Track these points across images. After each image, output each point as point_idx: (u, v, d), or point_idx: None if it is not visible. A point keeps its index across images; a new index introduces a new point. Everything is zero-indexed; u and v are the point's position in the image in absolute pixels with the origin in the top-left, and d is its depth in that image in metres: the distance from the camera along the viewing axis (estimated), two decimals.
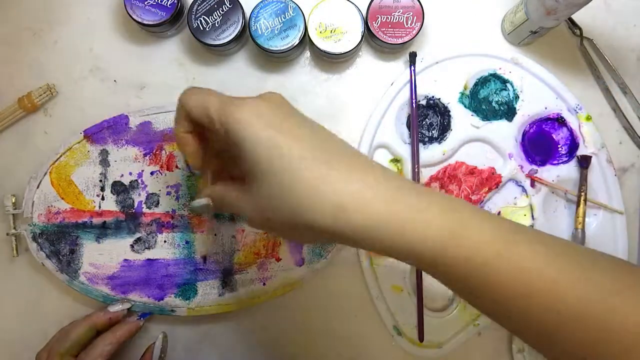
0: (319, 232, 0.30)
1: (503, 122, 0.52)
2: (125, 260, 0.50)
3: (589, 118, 0.52)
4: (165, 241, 0.50)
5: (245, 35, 0.51)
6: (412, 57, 0.51)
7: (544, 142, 0.53)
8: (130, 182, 0.50)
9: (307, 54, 0.54)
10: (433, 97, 0.52)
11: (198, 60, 0.53)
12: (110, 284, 0.50)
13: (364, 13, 0.50)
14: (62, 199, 0.50)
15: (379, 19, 0.50)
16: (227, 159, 0.40)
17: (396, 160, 0.53)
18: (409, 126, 0.52)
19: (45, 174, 0.49)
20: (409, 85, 0.52)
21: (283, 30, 0.49)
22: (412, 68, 0.51)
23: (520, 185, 0.53)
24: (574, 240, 0.52)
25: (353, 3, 0.49)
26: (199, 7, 0.49)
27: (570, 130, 0.52)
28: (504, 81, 0.52)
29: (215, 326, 0.52)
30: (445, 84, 0.52)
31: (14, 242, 0.51)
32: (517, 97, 0.52)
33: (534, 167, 0.52)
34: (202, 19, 0.49)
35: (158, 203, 0.50)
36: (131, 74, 0.53)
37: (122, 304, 0.49)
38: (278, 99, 0.33)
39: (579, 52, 0.54)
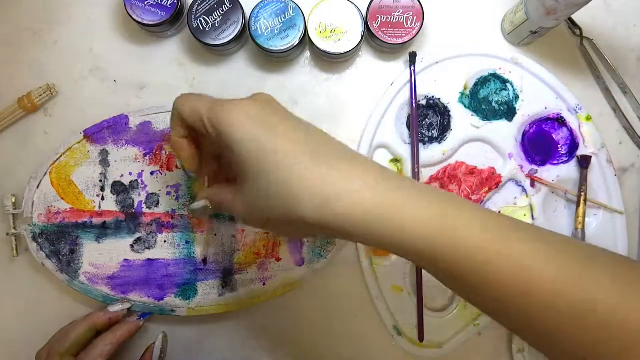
0: (318, 229, 0.30)
1: (503, 122, 0.52)
2: (125, 260, 0.50)
3: (589, 118, 0.52)
4: (165, 241, 0.50)
5: (245, 35, 0.51)
6: (412, 57, 0.51)
7: (544, 142, 0.53)
8: (130, 182, 0.50)
9: (307, 54, 0.54)
10: (433, 97, 0.52)
11: (198, 60, 0.53)
12: (110, 284, 0.50)
13: (364, 13, 0.50)
14: (62, 199, 0.50)
15: (379, 19, 0.50)
16: (222, 162, 0.40)
17: (396, 160, 0.53)
18: (409, 126, 0.52)
19: (45, 174, 0.49)
20: (409, 85, 0.52)
21: (283, 30, 0.49)
22: (412, 68, 0.52)
23: (520, 185, 0.53)
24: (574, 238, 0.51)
25: (353, 3, 0.49)
26: (199, 7, 0.49)
27: (570, 130, 0.52)
28: (504, 81, 0.52)
29: (215, 326, 0.52)
30: (445, 84, 0.52)
31: (14, 242, 0.51)
32: (517, 97, 0.52)
33: (534, 167, 0.52)
34: (202, 19, 0.49)
35: (158, 203, 0.50)
36: (131, 74, 0.53)
37: (122, 304, 0.49)
38: (267, 99, 0.33)
39: (579, 52, 0.54)
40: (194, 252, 0.50)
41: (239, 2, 0.49)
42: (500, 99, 0.53)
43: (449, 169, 0.52)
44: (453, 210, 0.30)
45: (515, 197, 0.53)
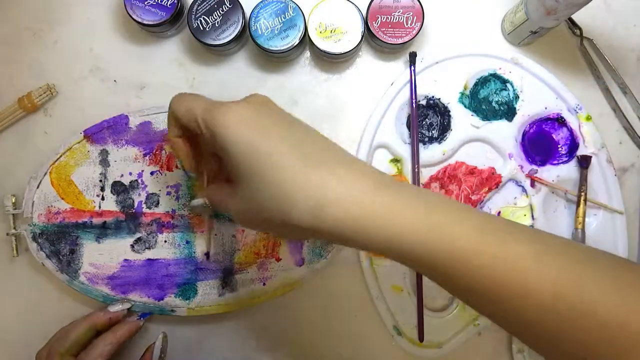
0: (311, 233, 0.30)
1: (503, 122, 0.52)
2: (126, 260, 0.50)
3: (589, 118, 0.52)
4: (165, 241, 0.50)
5: (245, 35, 0.51)
6: (412, 57, 0.51)
7: (544, 142, 0.53)
8: (130, 182, 0.50)
9: (307, 54, 0.54)
10: (433, 97, 0.52)
11: (198, 60, 0.53)
12: (111, 284, 0.50)
13: (364, 13, 0.50)
14: (62, 199, 0.50)
15: (379, 19, 0.50)
16: (221, 162, 0.40)
17: (396, 160, 0.53)
18: (409, 126, 0.52)
19: (45, 174, 0.49)
20: (409, 85, 0.52)
21: (283, 30, 0.49)
22: (412, 68, 0.51)
23: (520, 185, 0.53)
24: (574, 241, 0.52)
25: (353, 3, 0.49)
26: (199, 7, 0.49)
27: (570, 130, 0.52)
28: (504, 81, 0.52)
29: (215, 326, 0.52)
30: (445, 84, 0.52)
31: (14, 242, 0.51)
32: (517, 97, 0.52)
33: (534, 167, 0.52)
34: (202, 19, 0.49)
35: (158, 203, 0.50)
36: (131, 74, 0.53)
37: (122, 304, 0.49)
38: (263, 100, 0.33)
39: (579, 52, 0.54)
40: (194, 252, 0.50)
41: (239, 2, 0.49)
42: (500, 99, 0.53)
43: (449, 169, 0.52)
44: (451, 215, 0.30)
45: (515, 197, 0.53)
